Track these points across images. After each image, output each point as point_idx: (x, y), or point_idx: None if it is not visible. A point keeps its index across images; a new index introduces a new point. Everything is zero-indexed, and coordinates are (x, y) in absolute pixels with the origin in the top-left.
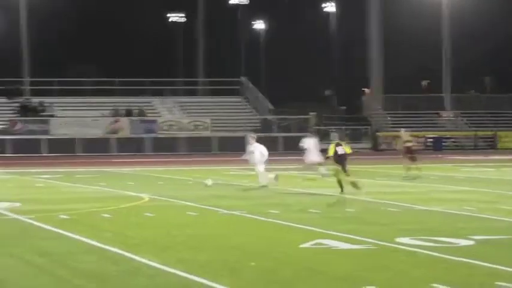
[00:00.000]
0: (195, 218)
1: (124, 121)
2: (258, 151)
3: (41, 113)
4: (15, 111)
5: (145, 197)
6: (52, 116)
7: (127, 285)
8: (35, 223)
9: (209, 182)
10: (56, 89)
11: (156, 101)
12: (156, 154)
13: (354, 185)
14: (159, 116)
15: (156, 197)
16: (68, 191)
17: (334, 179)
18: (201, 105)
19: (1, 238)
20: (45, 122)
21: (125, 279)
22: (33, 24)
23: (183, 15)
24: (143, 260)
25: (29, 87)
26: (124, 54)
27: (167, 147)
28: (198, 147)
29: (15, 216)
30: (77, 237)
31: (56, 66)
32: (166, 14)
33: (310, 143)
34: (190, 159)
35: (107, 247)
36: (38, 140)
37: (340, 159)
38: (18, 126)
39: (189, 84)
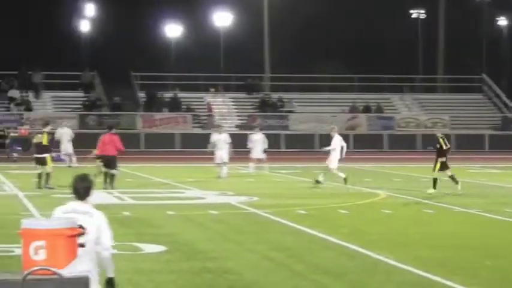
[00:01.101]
0: (431, 216)
1: (362, 117)
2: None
3: (280, 109)
4: (255, 107)
5: (382, 193)
6: (291, 111)
7: (363, 281)
8: (272, 217)
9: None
10: (295, 85)
11: (394, 97)
12: (393, 151)
13: None
14: (397, 113)
15: (392, 193)
16: (305, 186)
17: None
18: (440, 102)
19: (239, 232)
20: (284, 118)
21: (361, 275)
22: (274, 21)
23: (423, 11)
24: (379, 257)
25: (269, 83)
26: (365, 50)
27: (404, 144)
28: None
29: (253, 210)
30: (314, 232)
31: (296, 62)
32: (409, 10)
33: None
34: (427, 157)
35: (343, 243)
36: (278, 136)
37: None
38: (258, 121)
39: (428, 81)
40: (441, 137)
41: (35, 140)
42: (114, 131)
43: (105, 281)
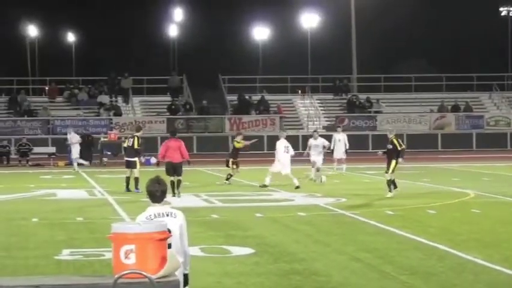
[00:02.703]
0: None
1: (450, 117)
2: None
3: (368, 109)
4: (342, 108)
5: (471, 193)
6: (379, 112)
7: (451, 281)
8: (360, 218)
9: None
10: (383, 85)
11: (483, 96)
12: (482, 150)
13: None
14: (486, 112)
15: (481, 193)
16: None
17: None
18: None
19: (327, 234)
20: (372, 118)
21: (449, 275)
22: (361, 22)
23: None
24: (468, 257)
25: (356, 84)
26: (453, 49)
27: (494, 143)
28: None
29: (341, 211)
30: (402, 232)
31: (384, 62)
32: (499, 7)
33: None
34: None
35: (431, 243)
36: (365, 136)
37: None
38: (345, 122)
39: None
40: (394, 138)
41: (125, 144)
42: (177, 135)
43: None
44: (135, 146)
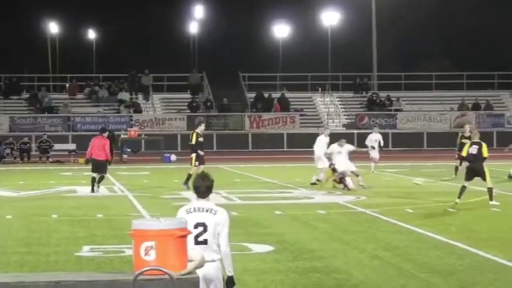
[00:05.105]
0: None
1: (470, 115)
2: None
3: (388, 107)
4: (363, 106)
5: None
6: (399, 110)
7: (472, 280)
8: (381, 216)
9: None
10: (403, 84)
11: (504, 94)
12: (503, 148)
13: None
14: (507, 110)
15: (501, 191)
16: (413, 185)
17: None
18: None
19: (346, 232)
20: (392, 117)
21: (469, 273)
22: (381, 20)
23: None
24: (488, 255)
25: (377, 82)
26: (473, 47)
27: None
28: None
29: (361, 209)
30: (422, 231)
31: (404, 60)
32: None
33: None
34: None
35: (451, 241)
36: (385, 134)
37: None
38: (365, 120)
39: None
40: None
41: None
42: (106, 134)
43: (225, 280)
44: (192, 142)
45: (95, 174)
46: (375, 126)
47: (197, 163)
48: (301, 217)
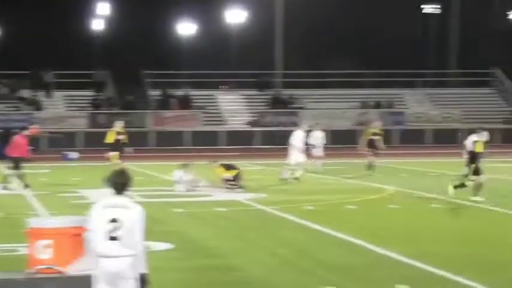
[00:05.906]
0: (439, 211)
1: (372, 113)
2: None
3: (291, 105)
4: (266, 104)
5: (390, 188)
6: (301, 108)
7: (368, 277)
8: (280, 214)
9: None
10: (307, 82)
11: (406, 92)
12: (403, 146)
13: None
14: (407, 108)
15: (400, 189)
16: (314, 182)
17: None
18: (451, 96)
19: (246, 229)
20: (295, 114)
21: (367, 270)
22: (286, 18)
23: (439, 6)
24: (385, 252)
25: (281, 80)
26: (376, 46)
27: (414, 139)
28: (446, 139)
29: (261, 207)
30: (321, 228)
31: (308, 59)
32: (421, 5)
33: None
34: (437, 152)
35: (350, 239)
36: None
37: None
38: (268, 118)
39: (440, 76)
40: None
41: None
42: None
43: (138, 277)
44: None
45: None
46: (317, 124)
47: (120, 161)
48: (201, 215)
